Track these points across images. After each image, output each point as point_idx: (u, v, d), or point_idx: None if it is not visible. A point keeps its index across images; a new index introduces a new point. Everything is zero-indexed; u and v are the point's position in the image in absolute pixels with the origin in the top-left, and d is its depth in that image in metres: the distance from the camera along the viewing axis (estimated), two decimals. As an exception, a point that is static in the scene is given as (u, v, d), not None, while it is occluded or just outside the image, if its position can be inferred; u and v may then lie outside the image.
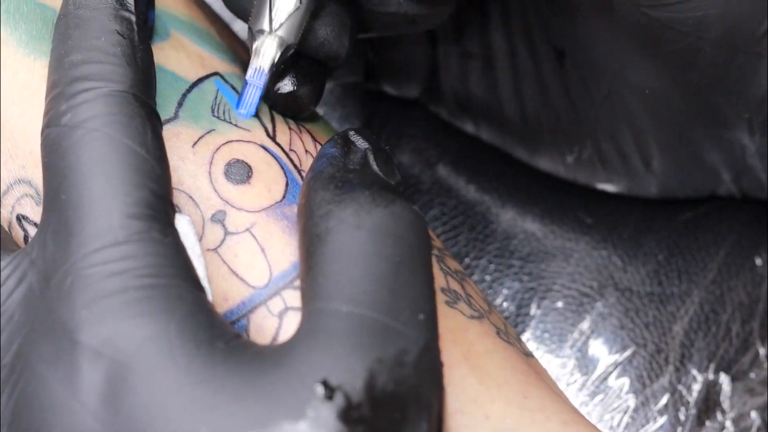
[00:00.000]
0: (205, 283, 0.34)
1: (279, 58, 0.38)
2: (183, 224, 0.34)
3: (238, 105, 0.39)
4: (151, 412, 0.29)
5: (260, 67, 0.38)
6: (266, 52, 0.37)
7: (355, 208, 0.32)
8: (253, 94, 0.38)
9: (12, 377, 0.31)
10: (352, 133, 0.36)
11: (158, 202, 0.32)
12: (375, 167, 0.35)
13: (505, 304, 0.52)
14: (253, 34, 0.37)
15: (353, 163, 0.35)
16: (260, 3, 0.37)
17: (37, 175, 0.37)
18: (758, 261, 0.53)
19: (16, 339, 0.32)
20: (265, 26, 0.37)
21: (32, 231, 0.38)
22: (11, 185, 0.38)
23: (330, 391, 0.29)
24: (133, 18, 0.35)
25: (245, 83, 0.38)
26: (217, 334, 0.31)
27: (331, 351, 0.30)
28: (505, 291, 0.53)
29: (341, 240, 0.32)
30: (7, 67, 0.38)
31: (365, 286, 0.31)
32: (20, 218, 0.38)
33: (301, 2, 0.37)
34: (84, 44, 0.34)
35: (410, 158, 0.55)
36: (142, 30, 0.35)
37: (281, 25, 0.37)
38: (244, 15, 0.39)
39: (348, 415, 0.29)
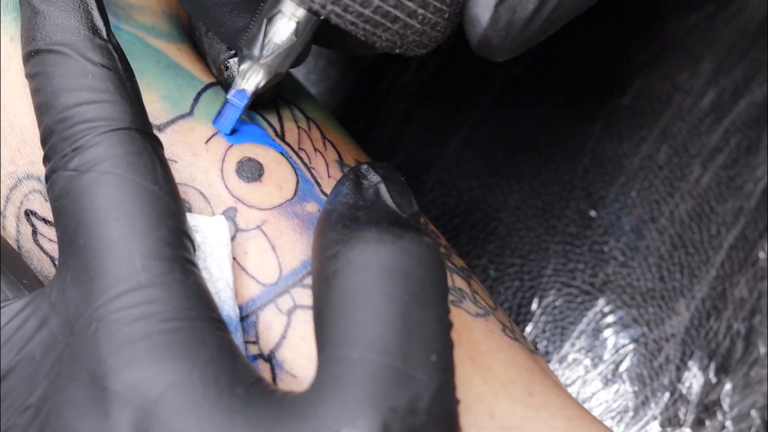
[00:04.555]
0: (231, 283, 0.35)
1: (264, 85, 0.37)
2: (219, 225, 0.35)
3: (215, 121, 0.39)
4: None
5: (244, 89, 0.37)
6: (252, 78, 0.37)
7: (362, 248, 0.32)
8: (231, 114, 0.38)
9: (37, 420, 0.32)
10: (364, 167, 0.36)
11: (176, 238, 0.33)
12: (388, 200, 0.35)
13: (505, 303, 0.52)
14: (244, 55, 0.37)
15: (364, 199, 0.35)
16: (256, 27, 0.37)
17: None
18: (761, 254, 0.53)
19: (40, 382, 0.32)
20: (256, 52, 0.37)
21: (40, 227, 0.38)
22: (20, 180, 0.38)
23: None
24: (110, 45, 0.35)
25: (225, 101, 0.38)
26: (238, 380, 0.31)
27: (344, 402, 0.30)
28: (505, 290, 0.53)
29: (348, 282, 0.31)
30: (14, 61, 0.38)
31: (374, 330, 0.31)
32: (29, 213, 0.38)
33: (296, 36, 0.36)
34: (71, 83, 0.34)
35: (411, 159, 0.54)
36: (121, 55, 0.35)
37: (273, 55, 0.36)
38: (218, 28, 0.38)
39: None
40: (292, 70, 0.42)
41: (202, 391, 0.30)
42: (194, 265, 0.33)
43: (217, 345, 0.32)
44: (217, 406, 0.30)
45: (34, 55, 0.34)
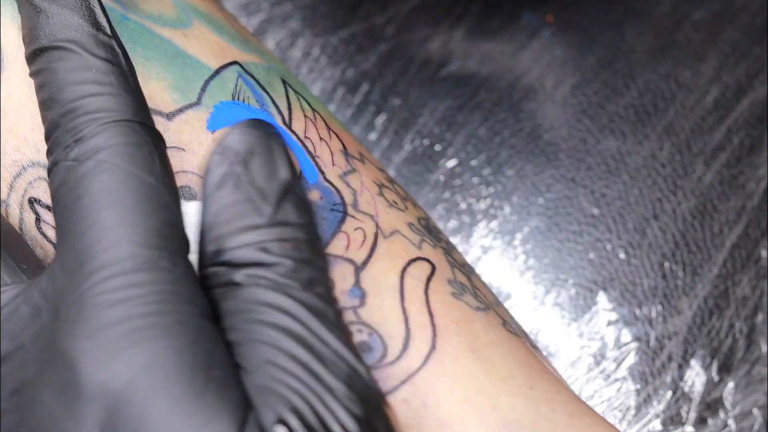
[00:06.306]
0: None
1: None
2: (191, 206, 0.35)
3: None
4: None
5: None
6: None
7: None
8: None
9: (21, 404, 0.32)
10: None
11: (169, 230, 0.33)
12: None
13: (507, 302, 0.52)
14: None
15: None
16: None
17: None
18: (764, 253, 0.53)
19: (29, 369, 0.32)
20: None
21: (44, 214, 0.38)
22: (24, 168, 0.38)
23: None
24: (113, 42, 0.35)
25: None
26: (215, 363, 0.31)
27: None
28: (508, 288, 0.52)
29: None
30: (22, 50, 0.38)
31: None
32: (32, 201, 0.38)
33: None
34: (75, 77, 0.34)
35: (412, 158, 0.54)
36: (124, 51, 0.35)
37: None
38: None
39: None
40: (294, 70, 0.42)
41: (176, 371, 0.30)
42: (184, 257, 0.33)
43: (198, 330, 0.31)
44: (189, 388, 0.30)
45: (39, 53, 0.34)
